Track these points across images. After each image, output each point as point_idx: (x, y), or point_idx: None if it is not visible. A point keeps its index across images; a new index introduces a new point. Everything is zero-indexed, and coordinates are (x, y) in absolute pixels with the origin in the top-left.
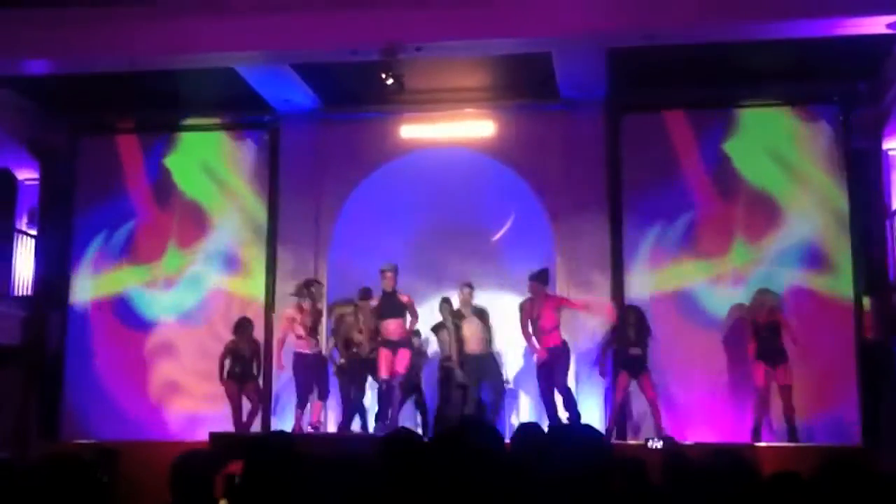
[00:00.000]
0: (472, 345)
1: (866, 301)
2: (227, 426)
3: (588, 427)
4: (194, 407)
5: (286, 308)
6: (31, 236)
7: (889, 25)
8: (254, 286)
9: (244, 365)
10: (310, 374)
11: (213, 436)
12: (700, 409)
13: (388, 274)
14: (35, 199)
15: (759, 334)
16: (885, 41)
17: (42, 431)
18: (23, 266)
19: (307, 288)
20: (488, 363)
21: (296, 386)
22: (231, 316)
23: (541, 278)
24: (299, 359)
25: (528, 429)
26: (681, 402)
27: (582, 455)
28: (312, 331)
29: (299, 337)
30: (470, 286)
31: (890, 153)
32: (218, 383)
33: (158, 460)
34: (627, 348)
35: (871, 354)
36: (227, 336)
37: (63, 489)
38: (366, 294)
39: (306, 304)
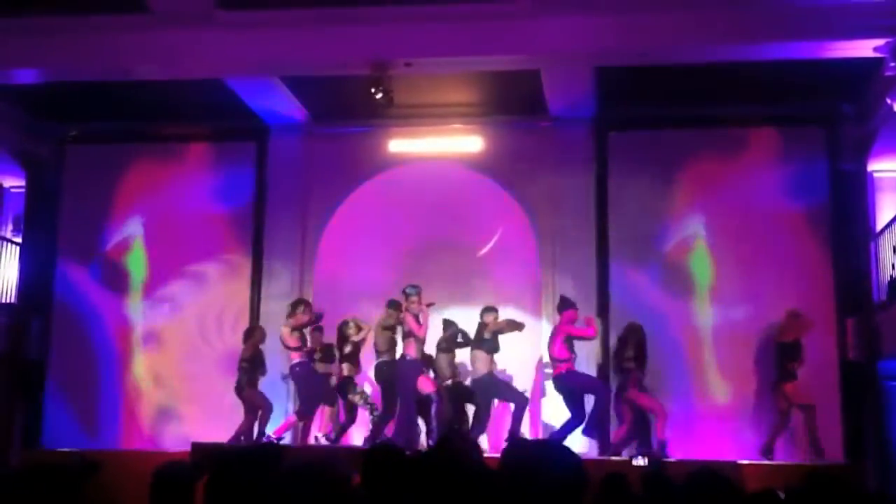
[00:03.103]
0: (482, 366)
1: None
2: (207, 436)
3: (563, 445)
4: (177, 417)
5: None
6: (16, 244)
7: (876, 49)
8: (239, 297)
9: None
10: (318, 384)
11: (194, 446)
12: (705, 427)
13: (415, 298)
14: (20, 207)
15: (787, 355)
16: (871, 64)
17: (24, 440)
18: (7, 273)
19: (294, 308)
20: (496, 383)
21: (303, 394)
22: (215, 326)
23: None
24: (304, 367)
25: (516, 445)
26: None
27: (558, 473)
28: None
29: (296, 348)
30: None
31: (874, 175)
32: (201, 393)
33: (140, 470)
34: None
35: (853, 375)
36: (211, 346)
37: (44, 498)
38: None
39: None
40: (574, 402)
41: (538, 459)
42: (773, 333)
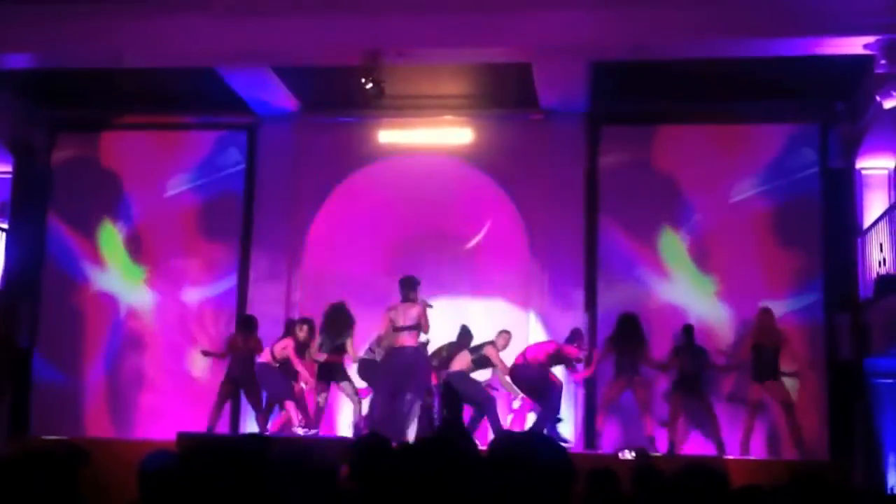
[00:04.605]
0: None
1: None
2: (193, 426)
3: (548, 437)
4: (163, 405)
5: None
6: (3, 230)
7: (866, 46)
8: (227, 286)
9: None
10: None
11: (180, 436)
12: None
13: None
14: (8, 192)
15: (760, 353)
16: (862, 62)
17: (12, 427)
18: None
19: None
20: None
21: (270, 394)
22: (202, 316)
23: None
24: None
25: (503, 436)
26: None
27: (546, 467)
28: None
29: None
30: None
31: (863, 172)
32: (188, 381)
33: (128, 459)
34: (623, 355)
35: (841, 372)
36: (199, 334)
37: (33, 486)
38: None
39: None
40: (538, 394)
41: (525, 450)
42: (771, 332)
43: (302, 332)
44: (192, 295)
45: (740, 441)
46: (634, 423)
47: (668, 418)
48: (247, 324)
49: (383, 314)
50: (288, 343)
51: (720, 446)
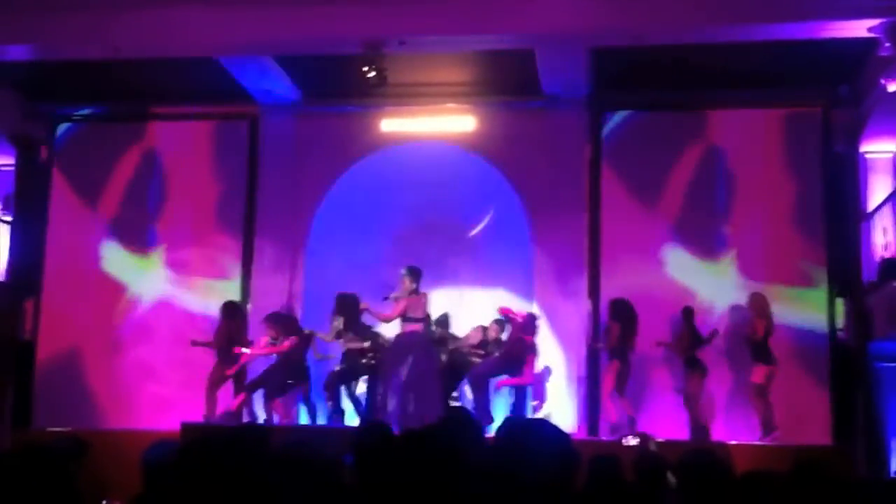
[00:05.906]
0: None
1: (840, 303)
2: (197, 416)
3: (551, 424)
4: (168, 396)
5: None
6: (6, 222)
7: (870, 29)
8: (230, 277)
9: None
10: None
11: (184, 426)
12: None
13: (405, 279)
14: (10, 186)
15: (765, 335)
16: (866, 45)
17: (15, 420)
18: None
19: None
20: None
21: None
22: (206, 306)
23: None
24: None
25: (509, 423)
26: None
27: (549, 452)
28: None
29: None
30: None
31: (866, 156)
32: (193, 371)
33: (130, 450)
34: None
35: (844, 356)
36: (201, 326)
37: (31, 479)
38: None
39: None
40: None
41: (530, 436)
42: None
43: (269, 329)
44: (196, 285)
45: (760, 425)
46: (636, 409)
47: (692, 402)
48: (233, 311)
49: (399, 302)
50: (261, 341)
51: (702, 430)
